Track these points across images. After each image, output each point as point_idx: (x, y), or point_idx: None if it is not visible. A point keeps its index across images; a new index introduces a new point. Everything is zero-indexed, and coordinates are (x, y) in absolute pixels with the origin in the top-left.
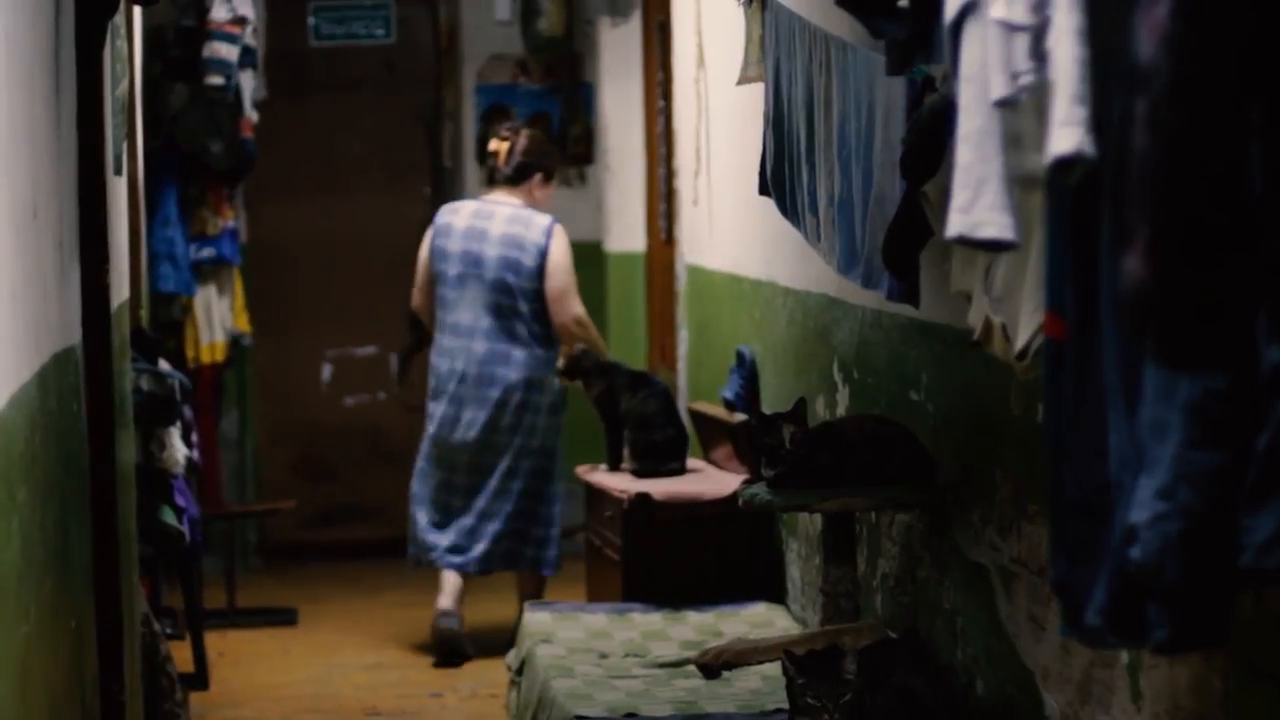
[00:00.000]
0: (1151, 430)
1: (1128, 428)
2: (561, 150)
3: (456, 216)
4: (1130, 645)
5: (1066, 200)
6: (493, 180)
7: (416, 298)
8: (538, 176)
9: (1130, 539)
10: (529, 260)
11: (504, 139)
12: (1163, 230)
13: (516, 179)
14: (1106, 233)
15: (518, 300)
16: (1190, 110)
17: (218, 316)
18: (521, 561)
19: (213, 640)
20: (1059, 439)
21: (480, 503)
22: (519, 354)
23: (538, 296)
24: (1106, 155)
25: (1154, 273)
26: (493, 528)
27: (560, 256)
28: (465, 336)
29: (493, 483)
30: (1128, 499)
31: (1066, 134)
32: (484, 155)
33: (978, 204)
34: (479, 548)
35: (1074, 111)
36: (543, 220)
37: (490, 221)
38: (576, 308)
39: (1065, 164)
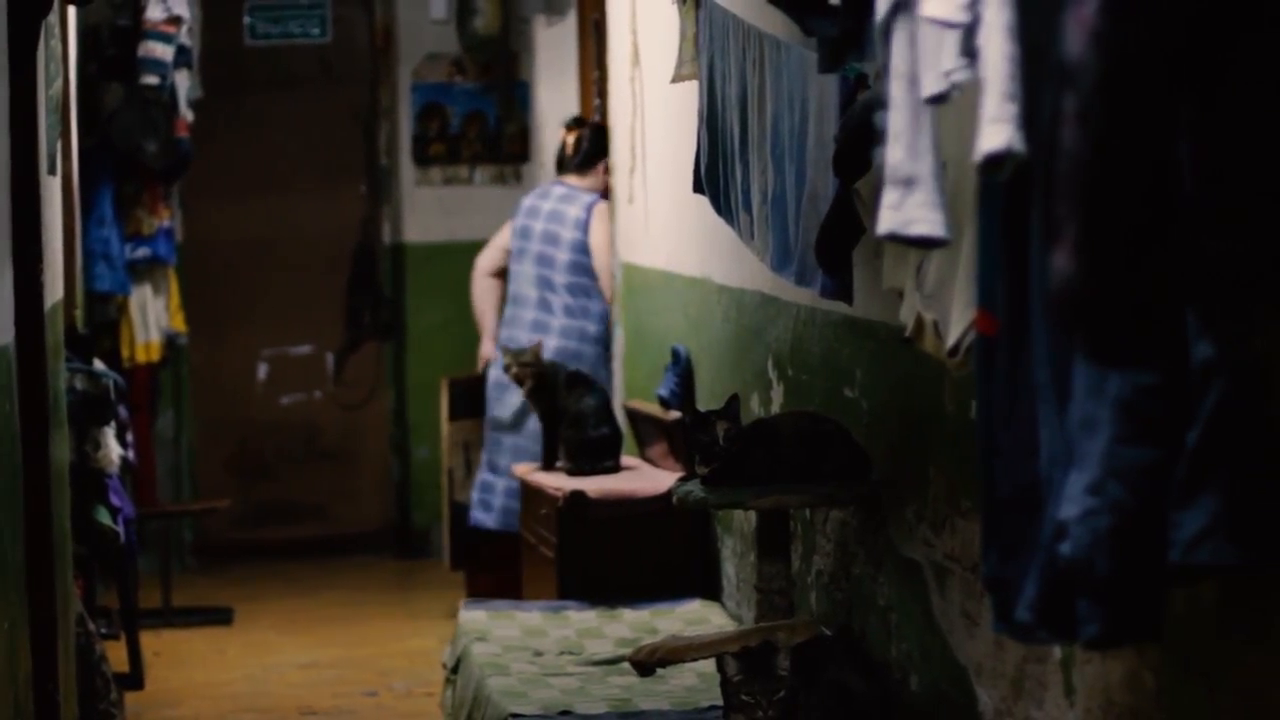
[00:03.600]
0: (1081, 426)
1: (1058, 424)
2: (497, 149)
3: (528, 196)
4: (1061, 641)
5: (997, 197)
6: (562, 168)
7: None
8: (603, 163)
9: (1060, 535)
10: (567, 233)
11: (572, 130)
12: (1091, 227)
13: (585, 165)
14: (1037, 229)
15: (555, 271)
16: (1119, 107)
17: (153, 316)
18: None
19: (148, 640)
20: (990, 435)
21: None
22: (557, 323)
23: (573, 269)
24: (1037, 152)
25: (1082, 270)
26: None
27: (601, 235)
28: (520, 306)
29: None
30: (1058, 495)
31: (996, 130)
32: (421, 154)
33: (908, 201)
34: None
35: (1004, 108)
36: (588, 198)
37: (545, 200)
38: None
39: (995, 160)
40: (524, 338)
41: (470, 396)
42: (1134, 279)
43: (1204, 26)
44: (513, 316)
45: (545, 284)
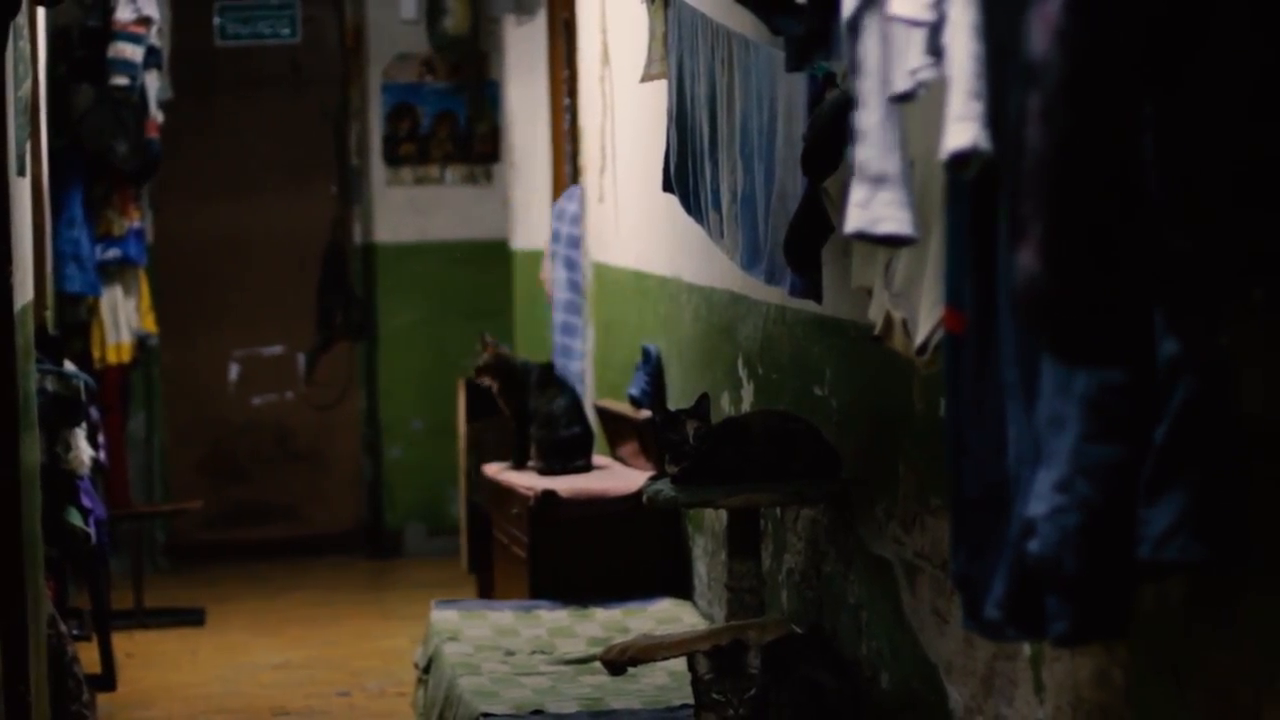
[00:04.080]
0: (1049, 424)
1: (1026, 422)
2: (467, 148)
3: (560, 199)
4: (1029, 638)
5: (964, 195)
6: None
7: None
8: None
9: (1029, 532)
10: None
11: None
12: (1056, 225)
13: None
14: (1004, 228)
15: (579, 274)
16: (1082, 105)
17: (124, 317)
18: None
19: (120, 641)
20: (959, 434)
21: None
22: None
23: None
24: (1003, 150)
25: (1048, 268)
26: None
27: None
28: (555, 309)
29: None
30: (1026, 493)
31: (962, 129)
32: (392, 154)
33: (876, 199)
34: None
35: (970, 106)
36: None
37: (570, 201)
38: None
39: (961, 159)
40: (558, 340)
41: (487, 397)
42: (1099, 277)
43: (1167, 25)
44: (552, 319)
45: (574, 287)
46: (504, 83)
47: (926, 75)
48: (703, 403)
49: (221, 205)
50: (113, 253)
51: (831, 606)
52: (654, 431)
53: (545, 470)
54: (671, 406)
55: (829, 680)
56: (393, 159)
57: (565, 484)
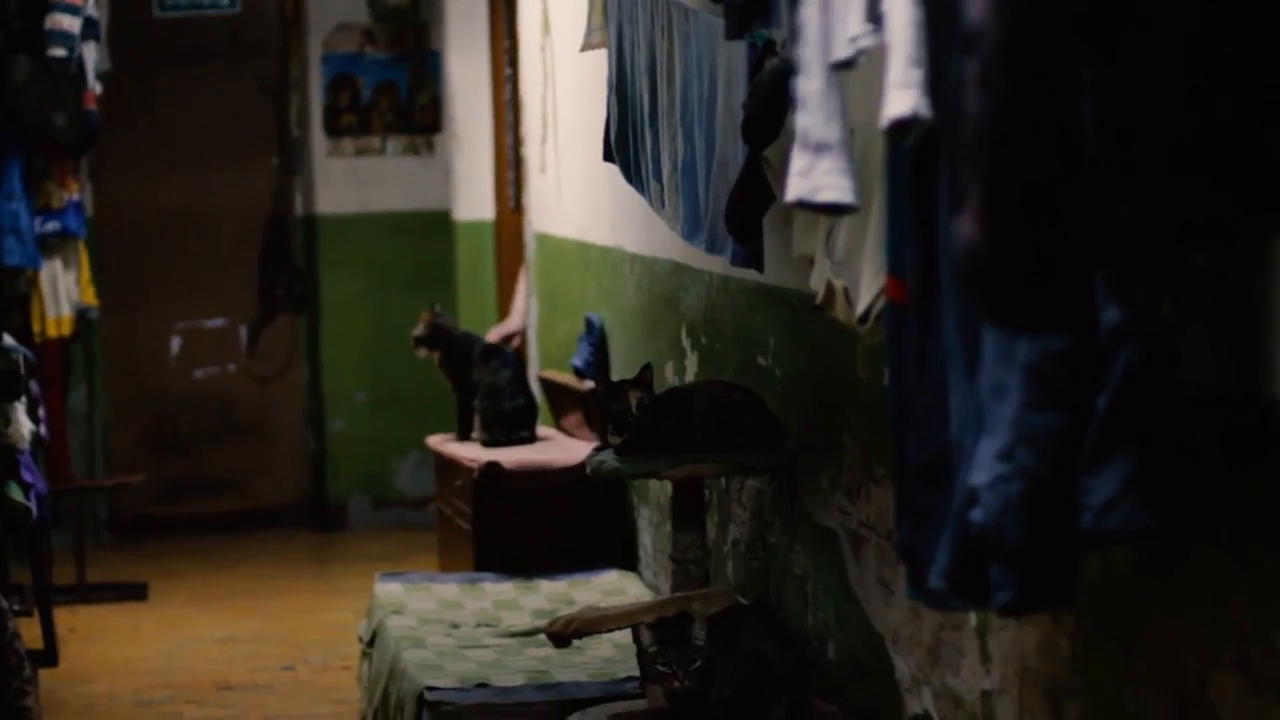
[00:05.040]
0: (991, 392)
1: (968, 390)
2: (409, 119)
3: None
4: (973, 607)
5: (905, 163)
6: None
7: None
8: None
9: (971, 501)
10: None
11: None
12: (995, 192)
13: None
14: (944, 195)
15: None
16: (1020, 71)
17: (64, 290)
18: None
19: (62, 616)
20: (901, 403)
21: None
22: None
23: None
24: (943, 117)
25: (987, 235)
26: None
27: None
28: None
29: None
30: (969, 461)
31: (902, 96)
32: (333, 125)
33: (817, 168)
34: None
35: (909, 74)
36: None
37: None
38: None
39: (901, 126)
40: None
41: None
42: (1039, 244)
43: None
44: None
45: None
46: (445, 53)
47: (866, 42)
48: (646, 373)
49: (161, 177)
50: (52, 225)
51: (777, 577)
52: (596, 402)
53: (489, 442)
54: (615, 377)
55: (775, 651)
56: (334, 130)
57: (509, 456)
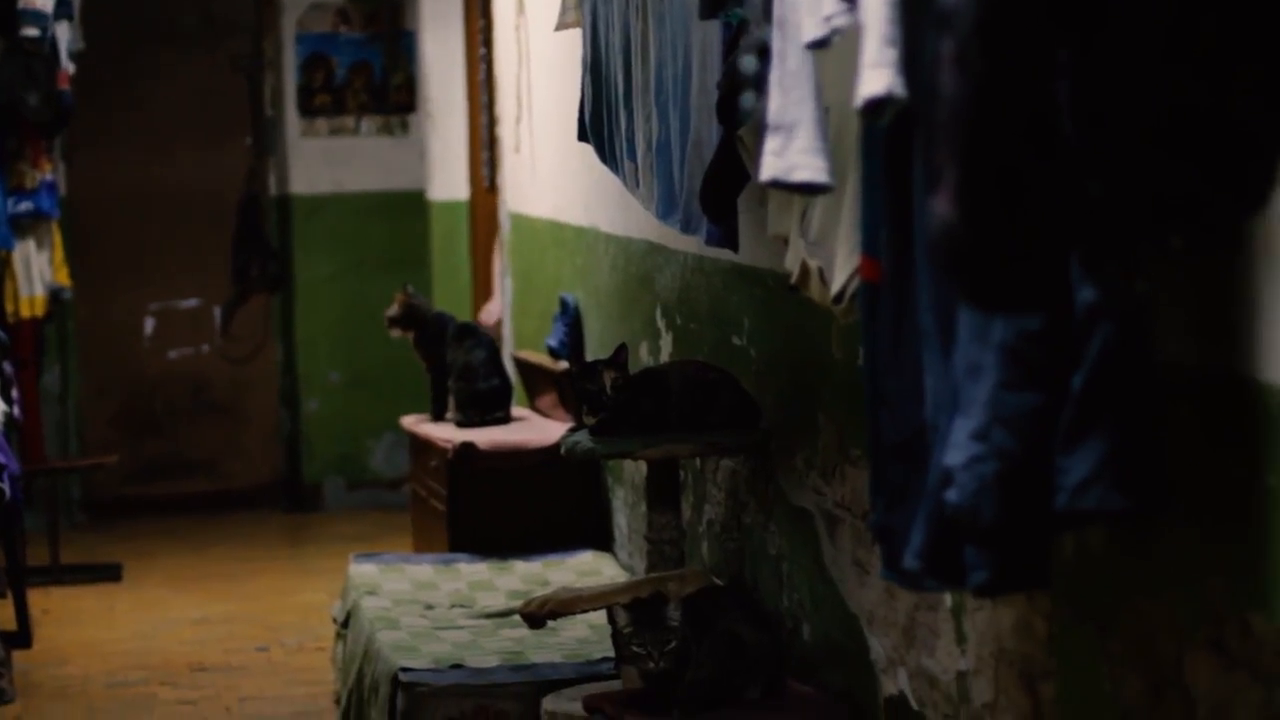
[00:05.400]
0: (966, 372)
1: (943, 370)
2: (383, 99)
3: None
4: (949, 588)
5: (879, 143)
6: None
7: None
8: None
9: (946, 482)
10: None
11: None
12: (970, 171)
13: None
14: (919, 175)
15: None
16: (996, 50)
17: (37, 270)
18: None
19: (36, 598)
20: (876, 383)
21: None
22: None
23: None
24: (917, 97)
25: (962, 215)
26: None
27: None
28: None
29: None
30: (944, 442)
31: (877, 75)
32: (307, 105)
33: (791, 147)
34: None
35: (884, 53)
36: None
37: None
38: None
39: (876, 106)
40: None
41: None
42: (1014, 223)
43: None
44: None
45: None
46: (419, 33)
47: (840, 22)
48: (620, 353)
49: (135, 157)
50: (25, 206)
51: (752, 558)
52: (571, 382)
53: (464, 422)
54: (590, 357)
55: (750, 632)
56: (308, 110)
57: (484, 436)
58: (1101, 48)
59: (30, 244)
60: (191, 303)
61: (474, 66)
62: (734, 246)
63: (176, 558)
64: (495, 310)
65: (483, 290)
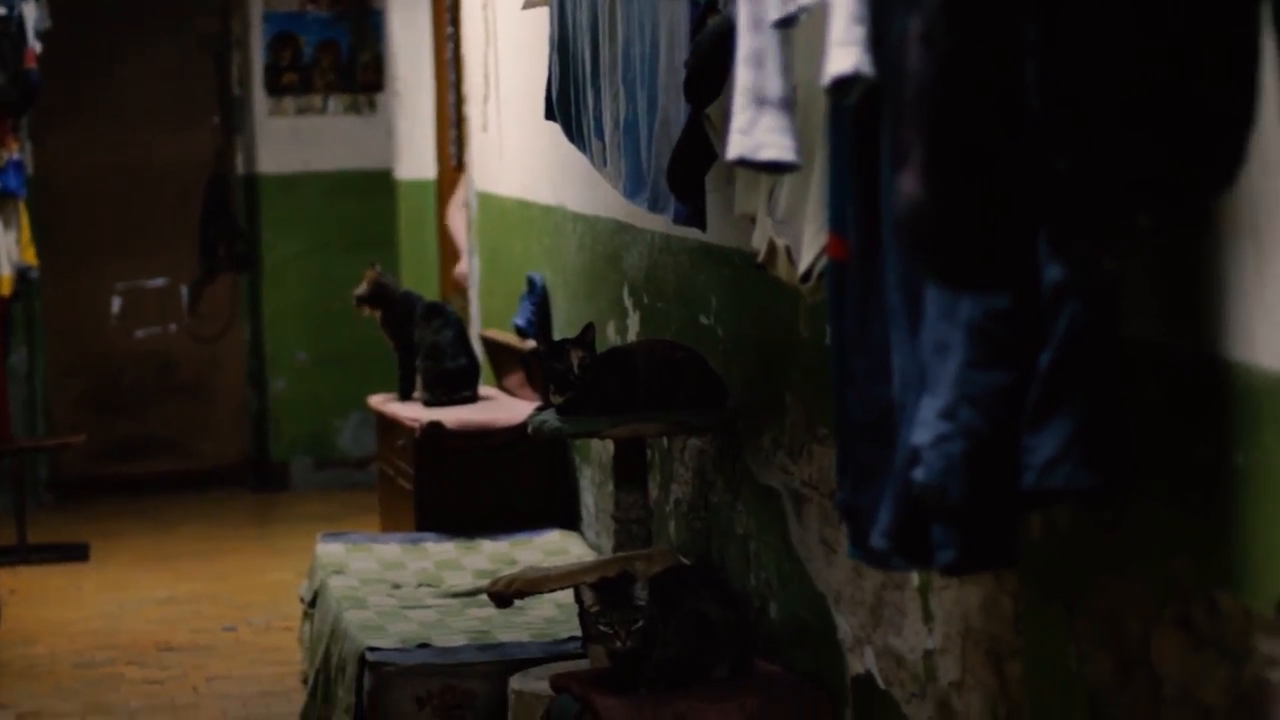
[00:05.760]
0: (933, 350)
1: (910, 348)
2: (350, 78)
3: None
4: (916, 567)
5: (847, 121)
6: None
7: None
8: None
9: (913, 460)
10: None
11: None
12: (937, 149)
13: None
14: (886, 153)
15: None
16: (963, 27)
17: (4, 250)
18: None
19: (3, 577)
20: (843, 361)
21: None
22: None
23: None
24: (885, 75)
25: (930, 193)
26: None
27: None
28: None
29: None
30: (910, 420)
31: (844, 53)
32: (274, 83)
33: (758, 126)
34: None
35: (851, 31)
36: None
37: None
38: None
39: (843, 84)
40: None
41: None
42: (981, 201)
43: None
44: None
45: None
46: (387, 11)
47: (807, 0)
48: (587, 332)
49: (102, 136)
50: None
51: (719, 537)
52: (538, 362)
53: (431, 402)
54: (557, 336)
55: (717, 611)
56: (275, 89)
57: (451, 415)
58: (1069, 25)
59: None
60: (159, 282)
61: (441, 45)
62: (701, 225)
63: (144, 537)
64: (464, 268)
65: (450, 269)
